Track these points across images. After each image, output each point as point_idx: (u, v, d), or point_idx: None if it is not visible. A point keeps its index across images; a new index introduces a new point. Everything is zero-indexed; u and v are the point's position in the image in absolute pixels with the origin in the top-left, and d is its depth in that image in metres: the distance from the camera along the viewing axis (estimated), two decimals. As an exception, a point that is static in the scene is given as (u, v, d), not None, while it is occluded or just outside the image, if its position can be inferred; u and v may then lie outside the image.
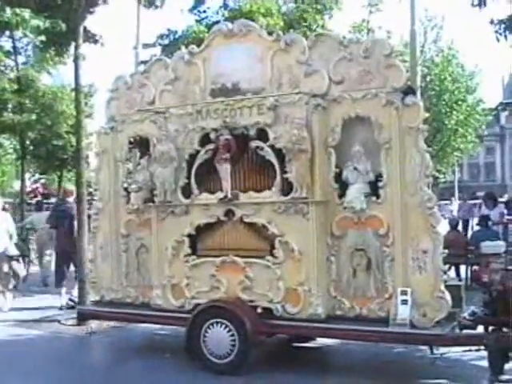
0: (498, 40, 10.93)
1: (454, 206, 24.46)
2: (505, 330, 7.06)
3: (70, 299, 12.52)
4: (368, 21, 28.78)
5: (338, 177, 7.76)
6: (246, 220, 8.17)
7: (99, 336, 10.51)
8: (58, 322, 11.46)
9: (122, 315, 9.38)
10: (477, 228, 14.89)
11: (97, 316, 10.11)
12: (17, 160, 31.14)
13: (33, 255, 17.87)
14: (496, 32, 10.94)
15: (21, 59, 23.29)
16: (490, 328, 7.31)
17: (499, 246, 8.81)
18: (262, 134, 8.12)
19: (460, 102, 33.12)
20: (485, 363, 7.19)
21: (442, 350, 7.71)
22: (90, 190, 13.95)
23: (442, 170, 37.68)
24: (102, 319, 10.46)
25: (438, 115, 31.49)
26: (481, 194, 26.67)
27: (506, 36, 10.97)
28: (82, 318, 10.75)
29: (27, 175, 30.67)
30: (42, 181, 40.60)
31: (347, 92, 7.75)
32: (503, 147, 75.46)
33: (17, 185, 32.18)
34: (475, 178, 74.21)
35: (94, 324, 10.83)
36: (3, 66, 22.78)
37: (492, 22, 10.99)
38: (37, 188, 35.78)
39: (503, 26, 10.90)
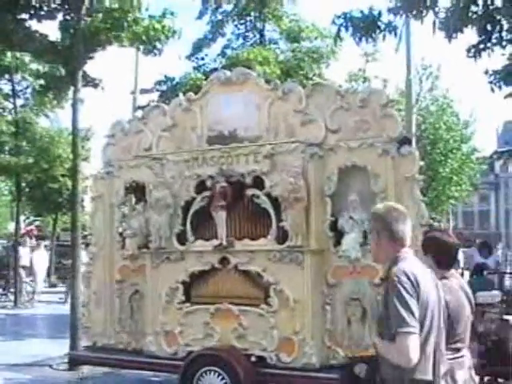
0: (492, 90, 10.98)
1: None
2: (500, 380, 7.02)
3: None
4: (364, 70, 29.01)
5: (334, 225, 7.77)
6: (241, 268, 8.14)
7: (91, 382, 10.37)
8: (50, 366, 11.30)
9: (114, 361, 9.29)
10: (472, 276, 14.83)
11: (89, 361, 10.02)
12: (12, 202, 31.08)
13: None
14: (490, 82, 11.00)
15: (19, 102, 23.37)
16: (486, 378, 7.27)
17: (494, 295, 8.80)
18: (258, 182, 8.15)
19: (455, 151, 33.17)
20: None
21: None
22: (85, 233, 13.95)
23: (437, 217, 37.68)
24: (94, 365, 10.33)
25: (433, 163, 31.53)
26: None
27: (500, 87, 11.02)
28: (74, 364, 10.61)
29: (22, 217, 30.55)
30: (37, 223, 40.48)
31: (343, 141, 7.80)
32: (498, 195, 75.51)
33: (11, 226, 32.02)
34: (469, 225, 74.14)
35: (85, 369, 10.69)
36: (1, 108, 22.89)
37: (487, 72, 11.05)
38: (31, 230, 35.59)
39: (498, 76, 10.95)
